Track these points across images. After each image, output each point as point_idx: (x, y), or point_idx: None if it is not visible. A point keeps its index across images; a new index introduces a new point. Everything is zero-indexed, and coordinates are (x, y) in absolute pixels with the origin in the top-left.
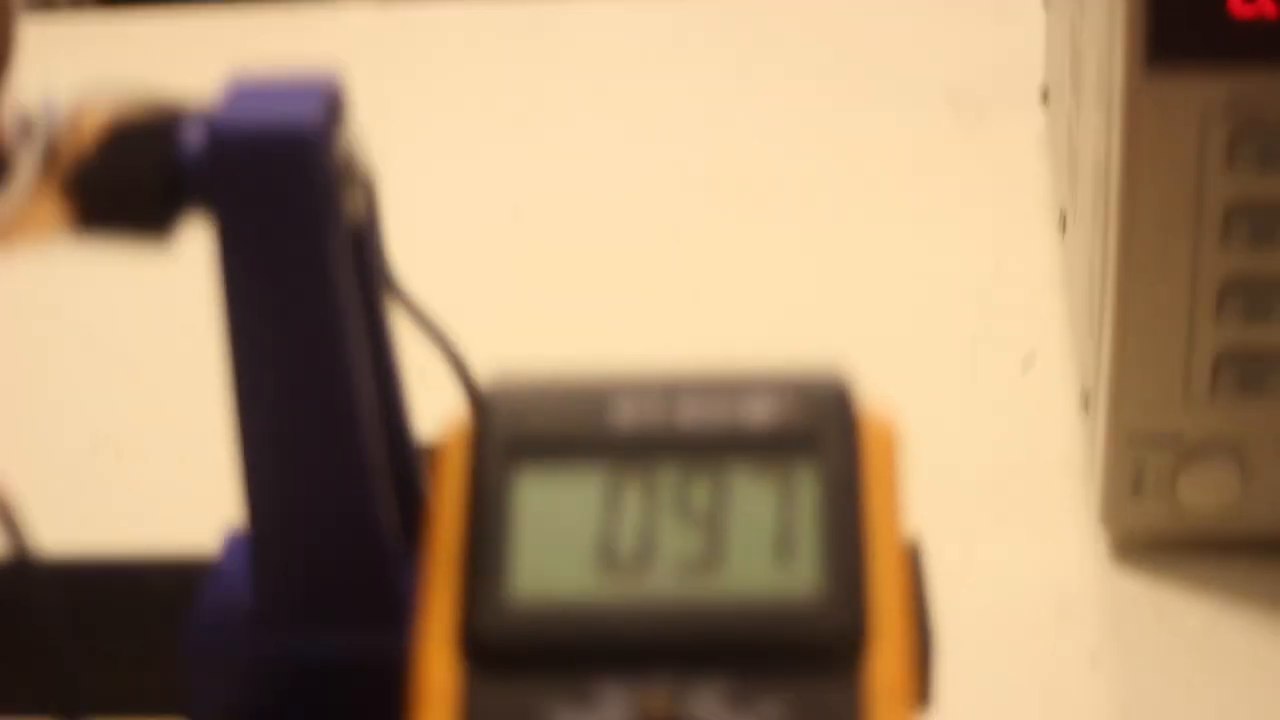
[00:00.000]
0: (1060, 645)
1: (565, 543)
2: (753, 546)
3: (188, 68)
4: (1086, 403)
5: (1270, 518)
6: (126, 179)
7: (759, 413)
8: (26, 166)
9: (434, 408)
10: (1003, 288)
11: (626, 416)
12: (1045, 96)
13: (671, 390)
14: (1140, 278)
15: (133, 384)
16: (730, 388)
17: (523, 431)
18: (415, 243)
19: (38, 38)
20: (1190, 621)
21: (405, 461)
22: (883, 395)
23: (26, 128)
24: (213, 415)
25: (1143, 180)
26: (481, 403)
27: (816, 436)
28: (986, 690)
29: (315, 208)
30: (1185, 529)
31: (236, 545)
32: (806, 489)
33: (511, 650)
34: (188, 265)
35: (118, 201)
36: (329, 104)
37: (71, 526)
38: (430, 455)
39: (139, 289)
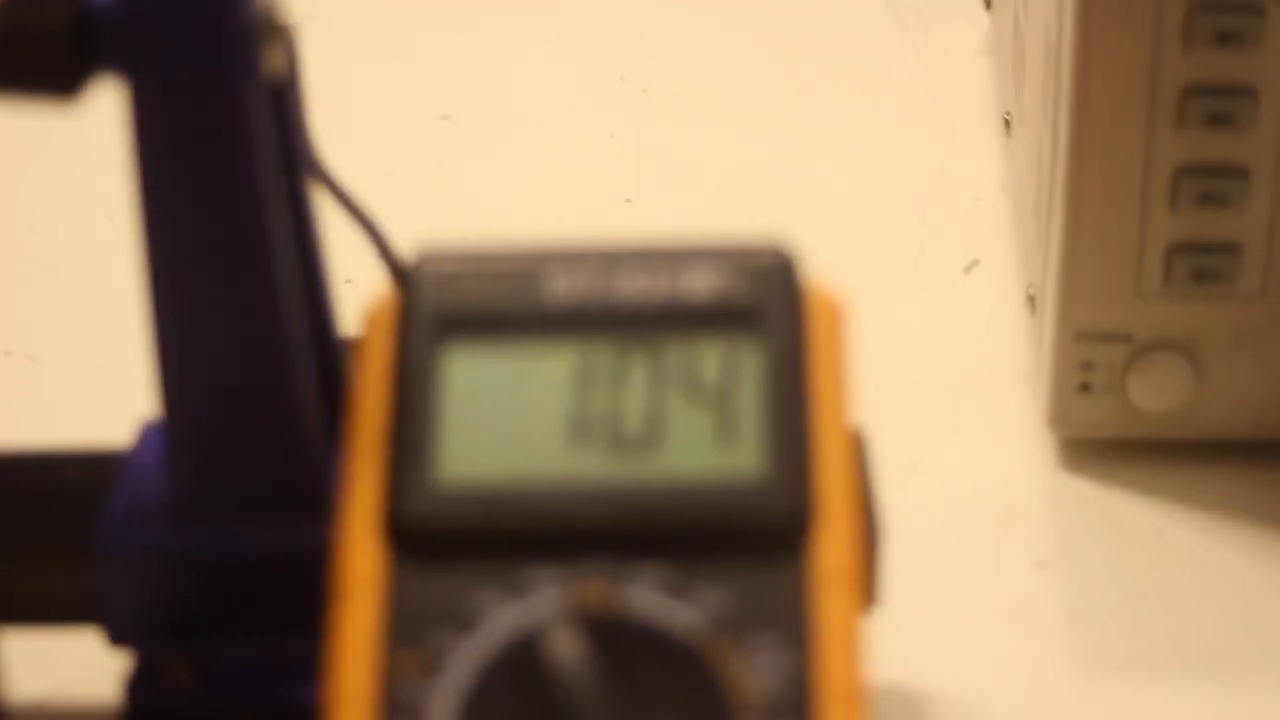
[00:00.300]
0: (1008, 549)
1: (496, 424)
2: (693, 426)
3: None
4: (1033, 305)
5: (1221, 418)
6: (34, 32)
7: (700, 285)
8: None
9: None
10: (945, 193)
11: (560, 290)
12: (988, 2)
13: (608, 262)
14: (1092, 166)
15: (48, 288)
16: (670, 259)
17: (450, 306)
18: (342, 146)
19: None
20: (1139, 525)
21: (328, 346)
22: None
23: None
24: (132, 317)
25: (1096, 63)
26: (406, 276)
27: (760, 310)
28: (934, 594)
29: (234, 62)
30: (1134, 431)
31: (152, 435)
32: (749, 365)
33: (439, 537)
34: (104, 157)
35: (25, 56)
36: None
37: None
38: (354, 345)
39: (53, 187)
